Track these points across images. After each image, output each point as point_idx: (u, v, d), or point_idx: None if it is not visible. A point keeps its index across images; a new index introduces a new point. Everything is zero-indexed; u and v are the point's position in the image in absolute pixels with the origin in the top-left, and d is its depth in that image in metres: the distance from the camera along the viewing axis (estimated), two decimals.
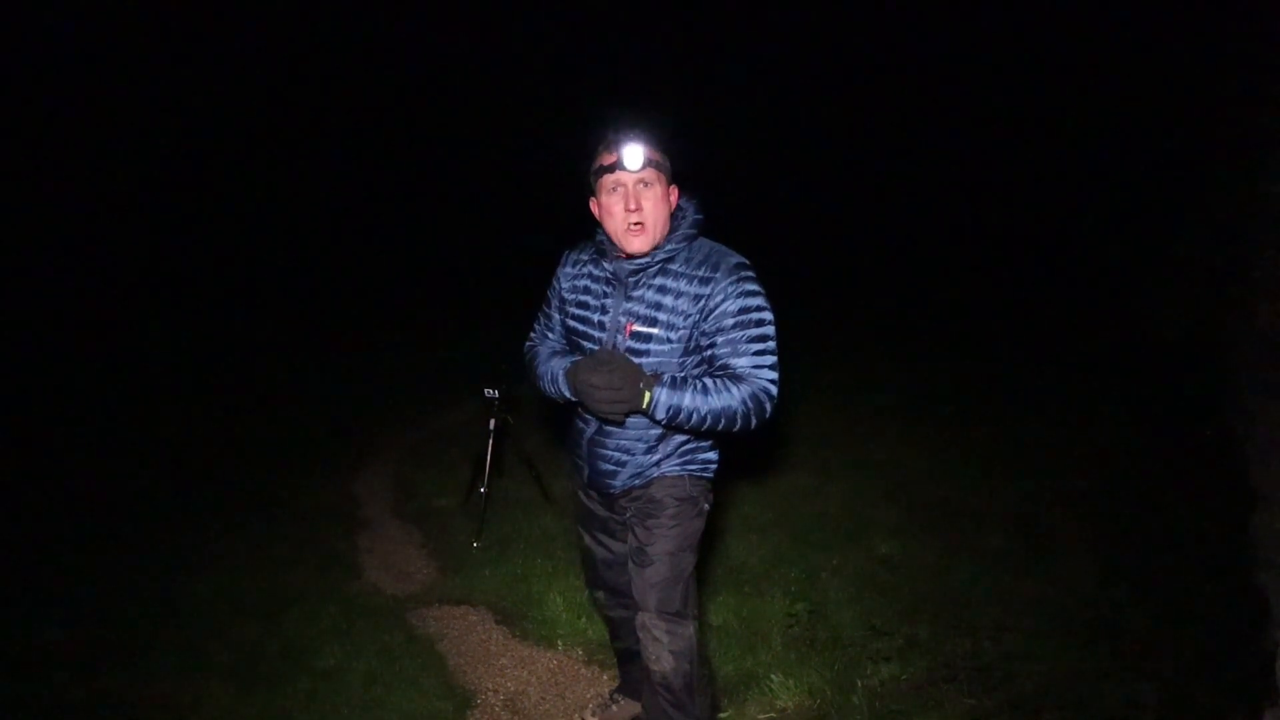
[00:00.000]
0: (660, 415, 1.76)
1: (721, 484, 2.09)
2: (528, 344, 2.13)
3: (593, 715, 2.44)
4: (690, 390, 1.74)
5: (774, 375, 1.79)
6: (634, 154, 1.76)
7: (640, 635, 1.95)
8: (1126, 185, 8.15)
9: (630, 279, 1.86)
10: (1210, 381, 5.04)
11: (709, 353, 1.81)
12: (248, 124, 12.89)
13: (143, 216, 11.65)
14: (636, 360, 1.82)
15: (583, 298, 1.94)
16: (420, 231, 13.34)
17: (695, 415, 1.74)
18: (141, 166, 11.87)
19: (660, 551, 1.92)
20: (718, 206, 2.08)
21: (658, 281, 1.84)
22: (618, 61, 13.69)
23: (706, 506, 2.00)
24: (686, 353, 1.83)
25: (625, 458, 1.94)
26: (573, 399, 1.89)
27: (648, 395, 1.73)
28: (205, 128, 12.55)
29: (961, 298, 9.14)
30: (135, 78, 11.43)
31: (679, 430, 1.86)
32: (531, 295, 2.20)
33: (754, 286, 1.80)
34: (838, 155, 13.92)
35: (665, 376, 1.77)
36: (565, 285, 2.00)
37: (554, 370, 1.92)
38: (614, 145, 1.78)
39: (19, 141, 10.09)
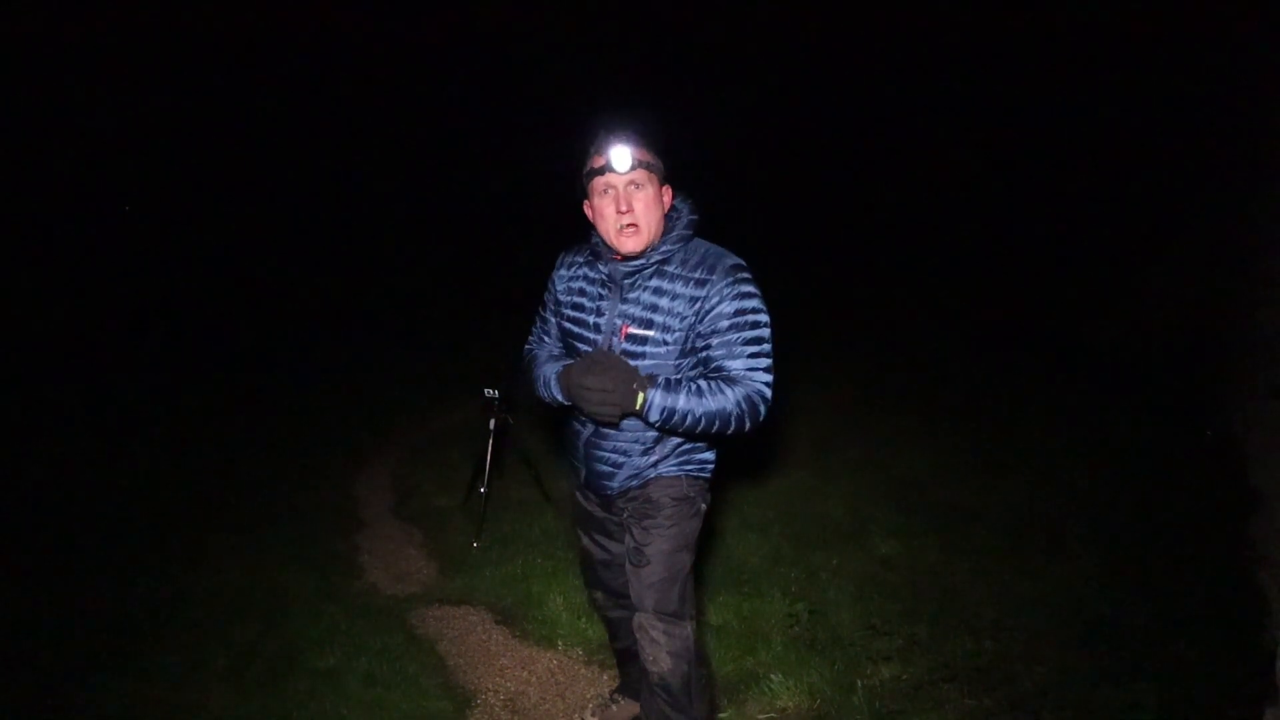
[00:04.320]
0: (654, 417, 1.75)
1: (721, 484, 2.09)
2: (526, 347, 2.13)
3: (593, 715, 2.44)
4: (684, 392, 1.73)
5: (768, 378, 1.79)
6: (622, 156, 1.75)
7: (638, 636, 1.94)
8: (1126, 185, 8.15)
9: (626, 281, 1.86)
10: (1210, 381, 5.04)
11: (704, 354, 1.81)
12: (248, 126, 12.90)
13: (145, 217, 11.66)
14: (633, 362, 1.81)
15: (578, 299, 1.94)
16: (420, 232, 13.35)
17: (689, 417, 1.74)
18: (143, 168, 11.88)
19: (657, 552, 1.91)
20: (715, 206, 2.07)
21: (653, 283, 1.83)
22: (615, 61, 13.69)
23: (703, 506, 2.00)
24: (683, 354, 1.82)
25: (622, 459, 1.93)
26: (566, 402, 1.88)
27: (641, 397, 1.72)
28: (207, 129, 12.57)
29: (961, 297, 9.14)
30: (147, 81, 11.44)
31: (673, 432, 1.86)
32: (531, 295, 2.19)
33: (750, 288, 1.79)
34: (838, 153, 13.92)
35: (659, 378, 1.76)
36: (560, 288, 2.00)
37: (547, 374, 1.92)
38: (603, 147, 1.77)
39: (26, 143, 10.10)
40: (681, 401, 1.73)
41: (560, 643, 2.87)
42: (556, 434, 2.27)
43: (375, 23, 14.03)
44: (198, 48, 12.23)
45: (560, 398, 1.88)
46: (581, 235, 1.99)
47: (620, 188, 1.78)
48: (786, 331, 1.92)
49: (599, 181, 1.79)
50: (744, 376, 1.77)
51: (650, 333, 1.81)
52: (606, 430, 1.91)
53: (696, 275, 1.80)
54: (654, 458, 1.92)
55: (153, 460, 4.72)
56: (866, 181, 13.66)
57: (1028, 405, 5.43)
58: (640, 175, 1.78)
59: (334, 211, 13.46)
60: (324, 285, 10.58)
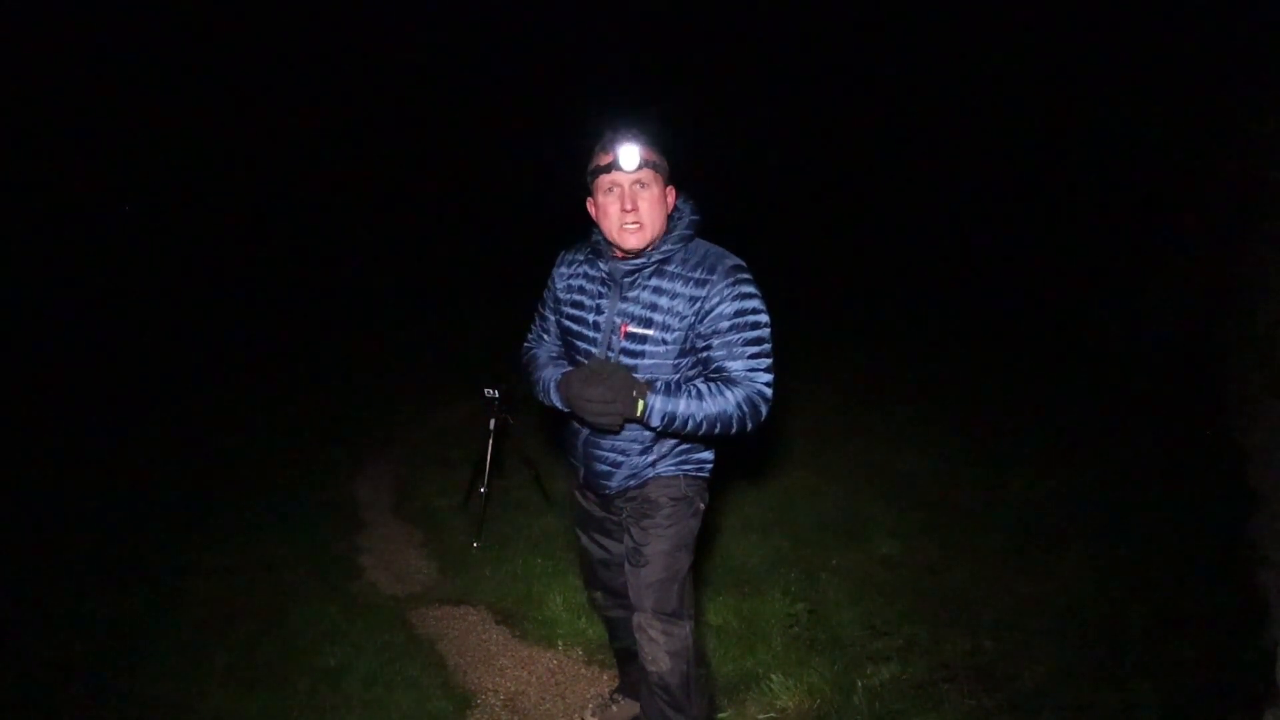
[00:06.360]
0: (655, 423, 1.75)
1: (721, 484, 2.09)
2: (525, 346, 2.13)
3: (593, 715, 2.44)
4: (685, 396, 1.73)
5: (769, 378, 1.78)
6: (630, 154, 1.75)
7: (637, 636, 1.94)
8: (1126, 185, 8.14)
9: (626, 279, 1.85)
10: (1210, 381, 5.04)
11: (704, 355, 1.80)
12: (248, 125, 12.90)
13: (145, 217, 11.67)
14: (632, 361, 1.82)
15: (578, 298, 1.93)
16: (419, 231, 13.35)
17: (690, 421, 1.74)
18: (144, 168, 11.89)
19: (656, 551, 1.91)
20: (717, 207, 2.07)
21: (653, 282, 1.83)
22: (616, 61, 13.69)
23: (702, 506, 2.00)
24: (682, 354, 1.82)
25: (621, 459, 1.93)
26: (565, 409, 1.88)
27: (641, 403, 1.72)
28: (207, 128, 12.57)
29: (961, 297, 9.14)
30: (138, 81, 11.44)
31: (674, 435, 1.86)
32: (532, 293, 2.19)
33: (750, 289, 1.79)
34: (838, 155, 13.91)
35: (659, 383, 1.76)
36: (560, 285, 1.99)
37: (546, 380, 1.92)
38: (610, 145, 1.77)
39: (29, 144, 10.11)
40: (682, 406, 1.73)
41: (560, 643, 2.87)
42: (556, 434, 2.27)
43: (378, 18, 14.03)
44: (199, 45, 12.23)
45: (560, 405, 1.88)
46: (582, 232, 1.99)
47: (626, 186, 1.77)
48: (787, 331, 1.92)
49: (604, 179, 1.79)
50: (745, 377, 1.76)
51: (650, 332, 1.81)
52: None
53: (697, 275, 1.80)
54: (652, 457, 1.92)
55: (152, 460, 4.72)
56: (867, 180, 13.65)
57: (1028, 405, 5.44)
58: (646, 174, 1.77)
59: (335, 210, 13.46)
60: (323, 284, 10.58)
